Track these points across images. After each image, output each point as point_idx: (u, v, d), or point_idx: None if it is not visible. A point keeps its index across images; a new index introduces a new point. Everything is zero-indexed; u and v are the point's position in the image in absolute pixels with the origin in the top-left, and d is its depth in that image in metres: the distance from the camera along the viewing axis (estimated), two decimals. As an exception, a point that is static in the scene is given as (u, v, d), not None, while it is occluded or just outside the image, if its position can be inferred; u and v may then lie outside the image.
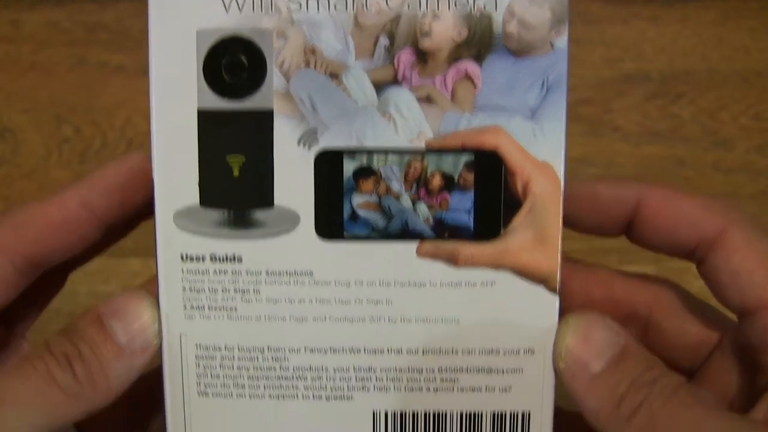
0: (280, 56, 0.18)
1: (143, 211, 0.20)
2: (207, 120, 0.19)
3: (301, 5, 0.18)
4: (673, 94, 0.40)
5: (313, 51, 0.18)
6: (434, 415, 0.20)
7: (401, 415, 0.20)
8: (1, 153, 0.40)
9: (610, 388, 0.18)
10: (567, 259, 0.20)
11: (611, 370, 0.18)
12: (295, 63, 0.18)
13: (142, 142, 0.20)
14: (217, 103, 0.18)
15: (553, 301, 0.19)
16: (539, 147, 0.18)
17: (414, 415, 0.20)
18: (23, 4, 0.41)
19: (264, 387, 0.20)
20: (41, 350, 0.19)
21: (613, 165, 0.37)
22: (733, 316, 0.21)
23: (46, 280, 0.22)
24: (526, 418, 0.20)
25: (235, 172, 0.19)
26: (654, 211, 0.20)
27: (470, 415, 0.20)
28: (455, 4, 0.18)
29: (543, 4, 0.18)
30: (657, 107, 0.40)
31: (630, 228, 0.20)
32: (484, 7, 0.18)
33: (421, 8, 0.18)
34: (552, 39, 0.18)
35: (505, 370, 0.20)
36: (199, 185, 0.19)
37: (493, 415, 0.20)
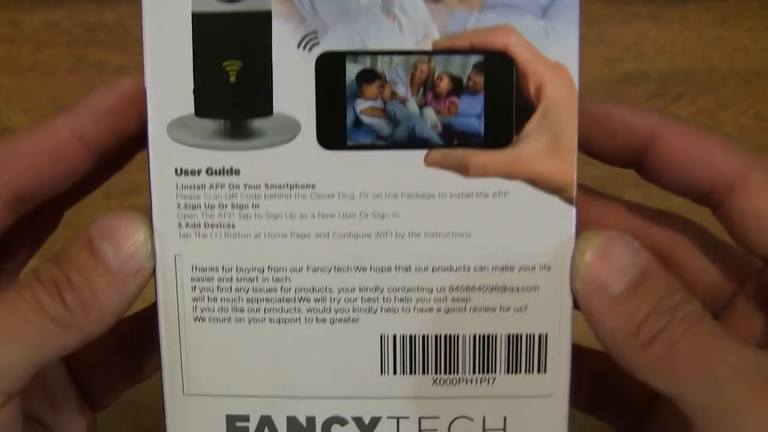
0: (279, -45, 0.18)
1: (137, 141, 0.19)
2: (202, 23, 0.18)
3: None
4: (673, 94, 0.40)
5: (314, -51, 0.18)
6: (445, 338, 0.19)
7: (410, 338, 0.19)
8: None
9: (628, 312, 0.17)
10: (580, 187, 0.19)
11: (631, 293, 0.17)
12: (294, -38, 0.18)
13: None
14: (212, 5, 0.18)
15: (570, 213, 0.18)
16: (552, 47, 0.18)
17: (424, 339, 0.19)
18: (23, 4, 0.41)
19: (264, 310, 0.19)
20: (29, 278, 0.18)
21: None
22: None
23: (39, 218, 0.21)
24: (543, 340, 0.19)
25: (232, 79, 0.18)
26: (668, 145, 0.19)
27: (483, 337, 0.19)
28: None
29: None
30: (657, 107, 0.40)
31: (641, 161, 0.19)
32: None
33: None
34: (561, -65, 0.18)
35: (520, 288, 0.18)
36: (194, 94, 0.18)
37: (508, 337, 0.19)
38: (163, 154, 0.18)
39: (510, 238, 0.18)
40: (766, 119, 0.40)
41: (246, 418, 0.19)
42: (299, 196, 0.18)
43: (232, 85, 0.18)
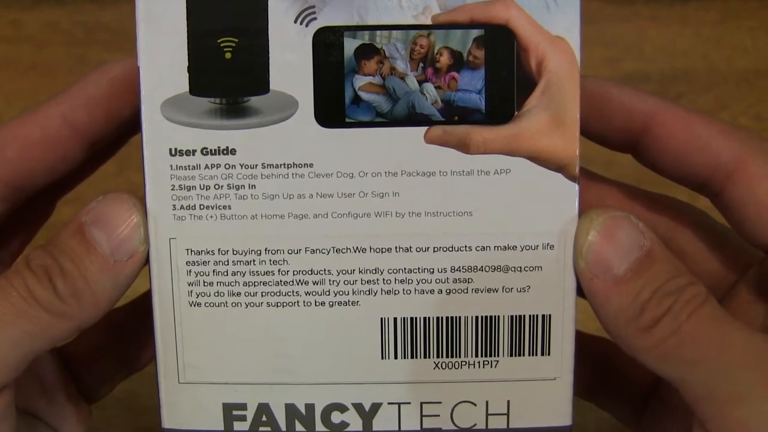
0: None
1: (129, 126, 0.19)
2: None
3: None
4: (673, 94, 0.40)
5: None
6: (447, 321, 0.18)
7: (411, 321, 0.18)
8: None
9: (632, 293, 0.17)
10: (580, 170, 0.18)
11: (635, 274, 0.17)
12: (291, -63, 0.17)
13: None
14: (208, -19, 0.17)
15: (573, 190, 0.18)
16: (553, 20, 0.17)
17: (425, 321, 0.18)
18: (23, 4, 0.41)
19: (261, 294, 0.18)
20: (20, 266, 0.17)
21: (613, 165, 0.37)
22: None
23: (32, 208, 0.20)
24: (546, 321, 0.18)
25: (228, 56, 0.18)
26: (667, 129, 0.18)
27: (486, 319, 0.18)
28: None
29: None
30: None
31: (639, 145, 0.19)
32: None
33: None
34: None
35: (522, 268, 0.18)
36: (189, 72, 0.18)
37: (511, 319, 0.18)
38: (157, 134, 0.18)
39: (512, 217, 0.18)
40: (766, 119, 0.40)
41: (243, 406, 0.19)
42: (297, 175, 0.18)
43: (227, 62, 0.18)
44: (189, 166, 0.18)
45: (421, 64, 0.18)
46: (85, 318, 0.17)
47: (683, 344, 0.16)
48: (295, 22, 0.17)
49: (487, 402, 0.18)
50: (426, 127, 0.18)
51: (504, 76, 0.18)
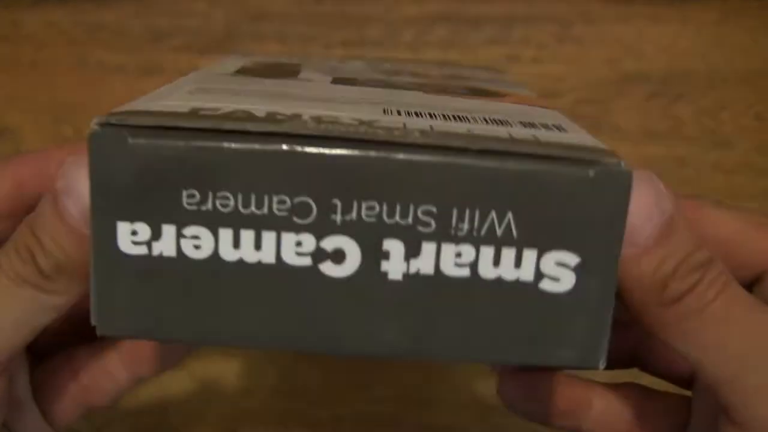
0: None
1: None
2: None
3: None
4: (673, 94, 0.40)
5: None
6: None
7: None
8: (1, 153, 0.40)
9: (653, 263, 0.15)
10: None
11: (657, 243, 0.15)
12: None
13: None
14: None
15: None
16: None
17: None
18: (23, 4, 0.41)
19: None
20: (8, 245, 0.17)
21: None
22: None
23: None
24: None
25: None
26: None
27: None
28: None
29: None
30: (657, 107, 0.40)
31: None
32: None
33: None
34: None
35: None
36: None
37: None
38: None
39: None
40: (766, 119, 0.40)
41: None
42: None
43: None
44: None
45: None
46: (77, 289, 0.17)
47: (709, 325, 0.15)
48: None
49: None
50: None
51: None
